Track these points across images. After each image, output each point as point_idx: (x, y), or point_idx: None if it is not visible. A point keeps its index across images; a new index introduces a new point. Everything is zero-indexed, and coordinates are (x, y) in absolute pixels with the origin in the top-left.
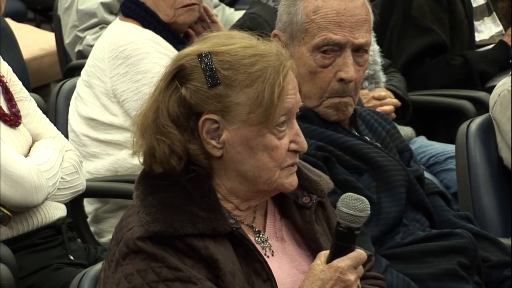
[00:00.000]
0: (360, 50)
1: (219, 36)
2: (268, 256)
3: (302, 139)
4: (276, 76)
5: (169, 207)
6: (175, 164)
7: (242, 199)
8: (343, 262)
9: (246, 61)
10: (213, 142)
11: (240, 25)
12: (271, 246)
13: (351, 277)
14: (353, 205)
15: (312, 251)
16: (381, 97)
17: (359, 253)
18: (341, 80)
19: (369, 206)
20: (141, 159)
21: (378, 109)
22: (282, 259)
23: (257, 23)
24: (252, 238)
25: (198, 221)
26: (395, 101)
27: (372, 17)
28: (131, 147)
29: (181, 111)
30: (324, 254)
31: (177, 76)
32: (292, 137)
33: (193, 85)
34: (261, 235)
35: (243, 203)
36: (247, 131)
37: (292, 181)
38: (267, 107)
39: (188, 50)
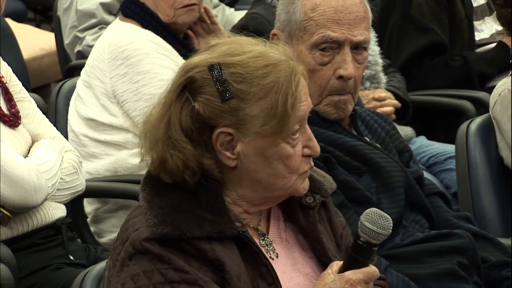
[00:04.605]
0: (359, 47)
1: (226, 43)
2: (272, 259)
3: (314, 143)
4: (288, 85)
5: (176, 209)
6: (188, 178)
7: (253, 203)
8: (355, 275)
9: (259, 73)
10: (228, 154)
11: (242, 26)
12: (275, 249)
13: None
14: (377, 222)
15: (315, 252)
16: (381, 98)
17: (373, 270)
18: (340, 77)
19: (391, 225)
20: (149, 164)
21: (378, 110)
22: (286, 261)
23: (259, 23)
24: (257, 241)
25: (205, 223)
26: (395, 102)
27: (370, 15)
28: (132, 148)
29: (195, 125)
30: (336, 264)
31: (187, 87)
32: (305, 142)
33: (205, 98)
34: (265, 238)
35: (253, 207)
36: (261, 142)
37: (305, 185)
38: (281, 118)
39: (196, 60)
